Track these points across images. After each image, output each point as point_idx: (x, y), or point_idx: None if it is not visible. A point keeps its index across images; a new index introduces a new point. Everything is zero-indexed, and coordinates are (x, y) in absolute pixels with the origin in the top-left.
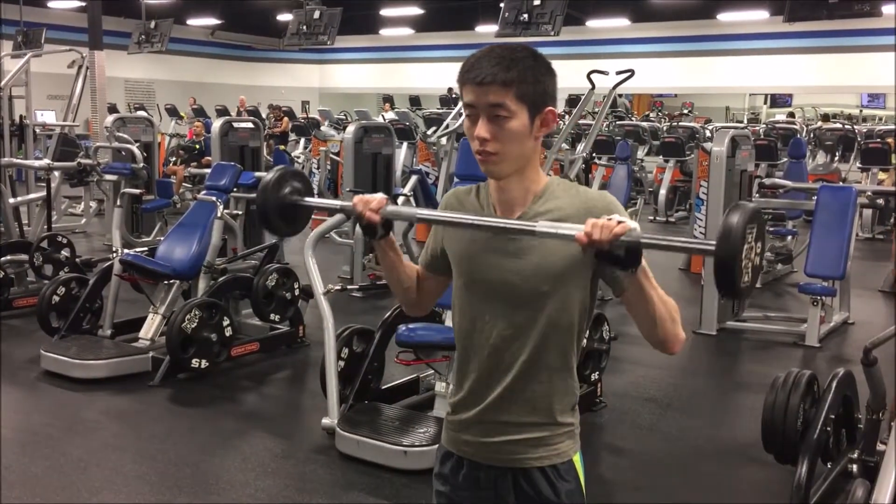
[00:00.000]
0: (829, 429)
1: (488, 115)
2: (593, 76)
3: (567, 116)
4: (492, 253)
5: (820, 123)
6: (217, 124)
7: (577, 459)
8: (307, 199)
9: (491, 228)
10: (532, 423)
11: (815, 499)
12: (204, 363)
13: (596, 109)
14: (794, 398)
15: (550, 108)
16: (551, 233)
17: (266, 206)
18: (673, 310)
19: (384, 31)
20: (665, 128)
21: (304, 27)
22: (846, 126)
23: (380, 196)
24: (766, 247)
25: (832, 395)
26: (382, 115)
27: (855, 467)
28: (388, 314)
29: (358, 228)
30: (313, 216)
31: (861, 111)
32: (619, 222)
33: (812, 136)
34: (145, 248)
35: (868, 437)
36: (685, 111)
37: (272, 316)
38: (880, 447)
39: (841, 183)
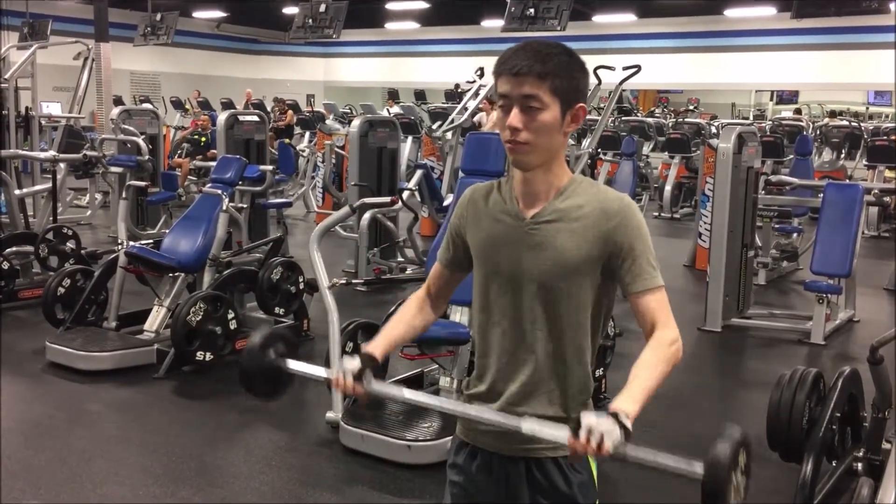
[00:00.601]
0: (834, 427)
1: (521, 105)
2: (599, 72)
3: None
4: (512, 245)
5: (827, 120)
6: (222, 117)
7: None
8: (290, 365)
9: (484, 419)
10: (547, 416)
11: (820, 497)
12: (208, 356)
13: (602, 105)
14: (800, 396)
15: (581, 104)
16: (537, 432)
17: (249, 370)
18: (668, 362)
19: (390, 25)
20: (671, 124)
21: (310, 20)
22: (852, 123)
23: (350, 379)
24: (751, 460)
25: (838, 393)
26: (387, 110)
27: (860, 466)
28: (392, 308)
29: (363, 224)
30: (318, 211)
31: (868, 108)
32: (599, 445)
33: (818, 133)
34: (150, 241)
35: (873, 436)
36: (691, 107)
37: (277, 309)
38: (886, 446)
39: (847, 180)
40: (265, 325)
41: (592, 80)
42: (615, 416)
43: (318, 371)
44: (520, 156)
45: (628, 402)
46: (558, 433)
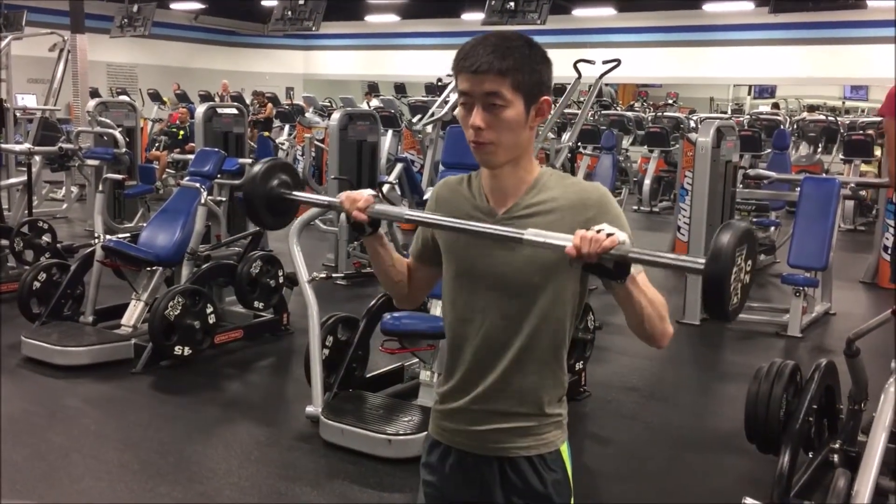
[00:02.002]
0: (811, 419)
1: (483, 103)
2: (579, 65)
3: (553, 106)
4: (483, 242)
5: (805, 115)
6: (201, 110)
7: (564, 450)
8: (295, 193)
9: (480, 234)
10: (520, 413)
11: (797, 488)
12: (187, 350)
13: (582, 99)
14: (777, 388)
15: (546, 97)
16: (539, 241)
17: (253, 198)
18: (661, 307)
19: (370, 18)
20: (650, 118)
21: (289, 13)
22: (829, 118)
23: (367, 193)
24: (756, 263)
25: (814, 385)
26: (367, 104)
27: (836, 457)
28: (372, 302)
29: (343, 217)
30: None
31: (844, 103)
32: (609, 234)
33: (796, 127)
34: (128, 235)
35: (850, 428)
36: (670, 101)
37: (256, 303)
38: (862, 438)
39: (824, 174)
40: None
41: (572, 75)
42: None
43: (320, 198)
44: (485, 155)
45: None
46: (563, 237)
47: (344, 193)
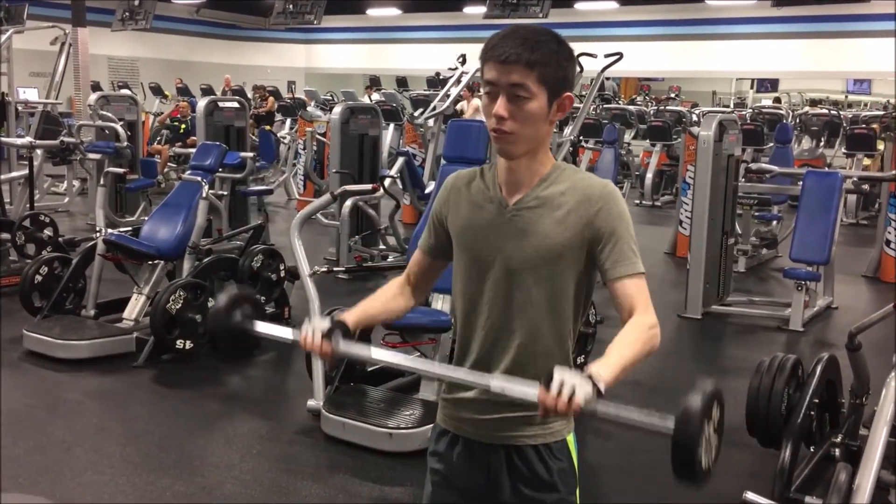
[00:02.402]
0: (812, 413)
1: (508, 94)
2: (581, 59)
3: None
4: (494, 231)
5: (807, 108)
6: (202, 104)
7: (570, 439)
8: (257, 326)
9: (451, 378)
10: (528, 403)
11: (798, 482)
12: (188, 344)
13: (583, 92)
14: (779, 382)
15: (568, 94)
16: (505, 390)
17: (215, 332)
18: (645, 346)
19: (371, 12)
20: (652, 112)
21: (291, 6)
22: (832, 111)
23: (318, 337)
24: (724, 416)
25: (816, 379)
26: (368, 97)
27: (838, 451)
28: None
29: (345, 211)
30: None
31: (846, 97)
32: (570, 397)
33: (798, 121)
34: (129, 228)
35: (851, 422)
36: (672, 95)
37: (258, 297)
38: (863, 431)
39: (826, 168)
40: (230, 286)
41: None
42: (588, 376)
43: (285, 332)
44: (505, 145)
45: (604, 368)
46: (528, 389)
47: (301, 335)
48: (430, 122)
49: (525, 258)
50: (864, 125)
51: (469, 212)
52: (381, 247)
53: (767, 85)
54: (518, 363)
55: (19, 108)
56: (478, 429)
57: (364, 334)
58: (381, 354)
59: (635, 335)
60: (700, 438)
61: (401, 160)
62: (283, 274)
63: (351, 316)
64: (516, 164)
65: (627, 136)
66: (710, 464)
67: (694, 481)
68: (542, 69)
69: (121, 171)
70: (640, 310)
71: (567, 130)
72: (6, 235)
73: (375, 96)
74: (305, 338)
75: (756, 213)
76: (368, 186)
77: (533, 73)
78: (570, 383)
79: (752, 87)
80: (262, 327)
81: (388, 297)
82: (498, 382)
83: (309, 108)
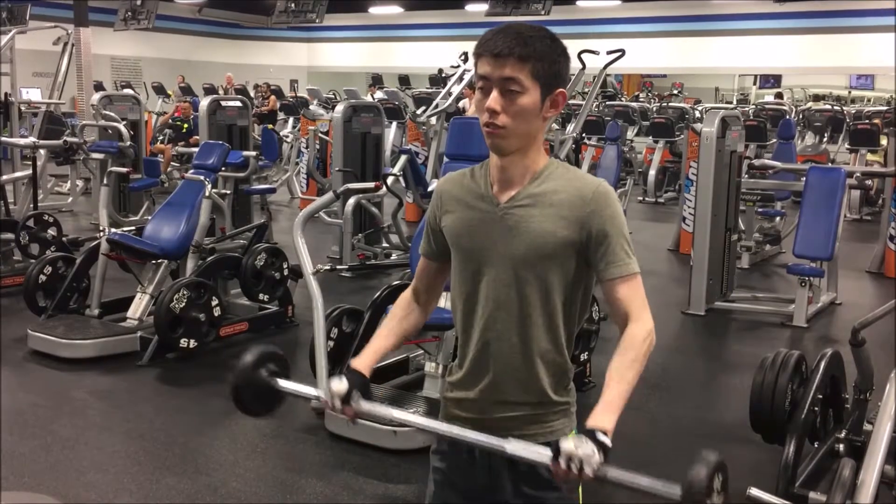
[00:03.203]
0: (816, 409)
1: (501, 88)
2: (584, 56)
3: None
4: (486, 229)
5: (810, 104)
6: (205, 103)
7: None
8: (281, 384)
9: (469, 439)
10: (526, 402)
11: (802, 478)
12: (192, 343)
13: (586, 89)
14: (782, 378)
15: (562, 90)
16: (520, 452)
17: (239, 387)
18: (640, 361)
19: (373, 10)
20: (655, 108)
21: (293, 5)
22: (835, 107)
23: (337, 399)
24: (727, 480)
25: (820, 375)
26: (371, 96)
27: (842, 447)
28: (377, 294)
29: (348, 209)
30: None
31: (850, 92)
32: (580, 471)
33: (801, 117)
34: (133, 228)
35: (855, 417)
36: (675, 92)
37: (261, 296)
38: (867, 427)
39: (829, 164)
40: (255, 345)
41: (577, 65)
42: (592, 435)
43: (309, 391)
44: (497, 140)
45: (605, 415)
46: (541, 456)
47: (322, 397)
48: (433, 120)
49: (518, 256)
50: (867, 120)
51: (461, 212)
52: (384, 245)
53: (772, 80)
54: (515, 359)
55: (22, 109)
56: (479, 428)
57: (368, 331)
58: (400, 415)
59: (629, 357)
60: None
61: (403, 158)
62: (286, 272)
63: (364, 363)
64: (508, 162)
65: (630, 133)
66: None
67: None
68: (535, 63)
69: (124, 170)
70: (633, 316)
71: (569, 128)
72: (10, 235)
73: (378, 94)
74: (326, 404)
75: (759, 210)
76: (371, 185)
77: (526, 67)
78: (578, 458)
79: (755, 84)
80: (286, 385)
81: (395, 324)
82: (512, 447)
83: (311, 107)
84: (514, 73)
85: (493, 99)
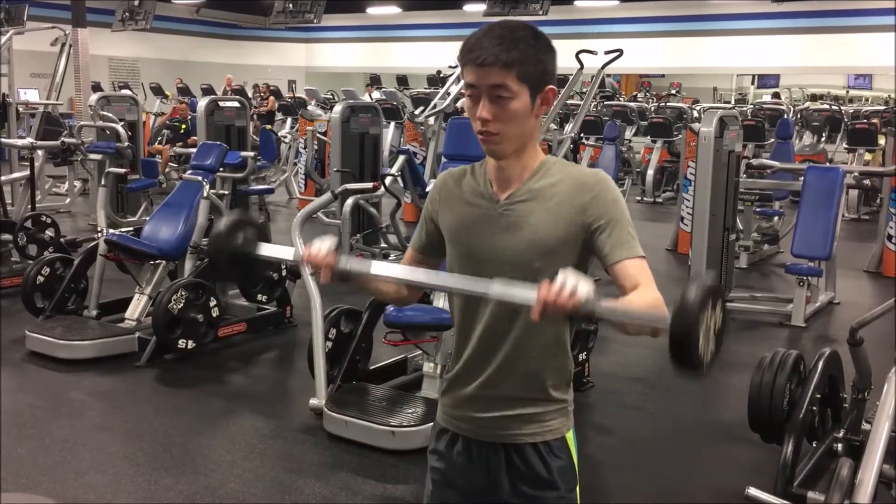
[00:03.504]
0: (814, 408)
1: (490, 95)
2: (582, 56)
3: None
4: (486, 226)
5: (808, 104)
6: (203, 103)
7: (570, 437)
8: (259, 248)
9: (451, 289)
10: (525, 398)
11: (801, 478)
12: (191, 344)
13: (584, 89)
14: (781, 378)
15: (551, 86)
16: (505, 295)
17: (217, 256)
18: (648, 307)
19: (371, 10)
20: (653, 108)
21: (290, 5)
22: (833, 107)
23: (325, 250)
24: (726, 311)
25: (818, 374)
26: (369, 96)
27: (840, 446)
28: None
29: (346, 210)
30: (300, 197)
31: (847, 92)
32: (573, 292)
33: (799, 116)
34: (131, 228)
35: (853, 417)
36: (673, 91)
37: (259, 296)
38: (865, 426)
39: (827, 164)
40: (232, 212)
41: (574, 65)
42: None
43: (286, 252)
44: (492, 146)
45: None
46: (528, 292)
47: (305, 252)
48: (431, 121)
49: (518, 252)
50: (865, 120)
51: (460, 209)
52: (383, 245)
53: (773, 81)
54: (513, 357)
55: (20, 109)
56: (477, 427)
57: (366, 332)
58: (379, 269)
59: (639, 298)
60: (697, 326)
61: (401, 158)
62: (284, 273)
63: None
64: (505, 162)
65: (628, 133)
66: (709, 354)
67: (690, 368)
68: (520, 67)
69: (122, 171)
70: (643, 286)
71: (568, 127)
72: (8, 236)
73: (376, 94)
74: (310, 253)
75: (757, 209)
76: (369, 185)
77: (512, 72)
78: (573, 281)
79: (752, 83)
80: (265, 249)
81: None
82: (497, 288)
83: (309, 107)
84: (501, 80)
85: (483, 108)
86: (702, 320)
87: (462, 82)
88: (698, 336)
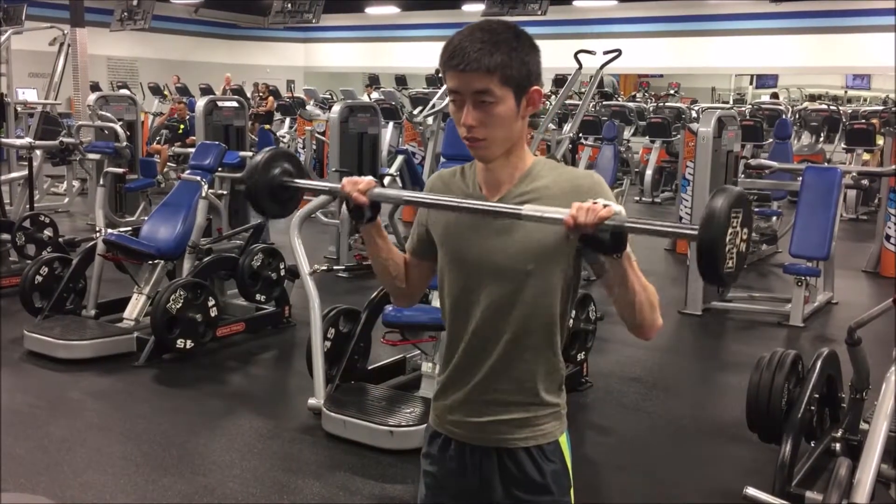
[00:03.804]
0: (812, 408)
1: (474, 101)
2: (580, 56)
3: (554, 97)
4: (476, 231)
5: (806, 104)
6: (201, 103)
7: (563, 440)
8: (296, 180)
9: (478, 212)
10: (517, 402)
11: (799, 477)
12: (189, 343)
13: (583, 90)
14: (779, 378)
15: (536, 87)
16: (537, 216)
17: (256, 187)
18: (653, 296)
19: (370, 10)
20: (651, 108)
21: (289, 5)
22: (831, 107)
23: (368, 178)
24: (752, 232)
25: (816, 374)
26: (368, 96)
27: (838, 446)
28: (374, 294)
29: (344, 209)
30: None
31: (846, 92)
32: (605, 205)
33: (797, 116)
34: (129, 228)
35: (851, 416)
36: (671, 92)
37: (258, 296)
38: (863, 426)
39: (826, 164)
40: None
41: (573, 65)
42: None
43: (322, 185)
44: (480, 151)
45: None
46: (561, 211)
47: (346, 178)
48: (430, 121)
49: (509, 255)
50: (863, 120)
51: (451, 212)
52: None
53: (772, 81)
54: (506, 359)
55: (18, 109)
56: (469, 431)
57: (365, 332)
58: (410, 196)
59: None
60: (723, 238)
61: (400, 158)
62: (283, 273)
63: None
64: (493, 165)
65: (627, 133)
66: (735, 265)
67: (718, 281)
68: (503, 71)
69: (120, 171)
70: None
71: (566, 127)
72: (6, 236)
73: (374, 95)
74: (351, 180)
75: (756, 209)
76: None
77: (495, 76)
78: (602, 202)
79: (751, 84)
80: (300, 181)
81: (399, 255)
82: (528, 209)
83: (308, 107)
84: (484, 85)
85: (468, 114)
86: (727, 233)
87: None
88: (725, 245)
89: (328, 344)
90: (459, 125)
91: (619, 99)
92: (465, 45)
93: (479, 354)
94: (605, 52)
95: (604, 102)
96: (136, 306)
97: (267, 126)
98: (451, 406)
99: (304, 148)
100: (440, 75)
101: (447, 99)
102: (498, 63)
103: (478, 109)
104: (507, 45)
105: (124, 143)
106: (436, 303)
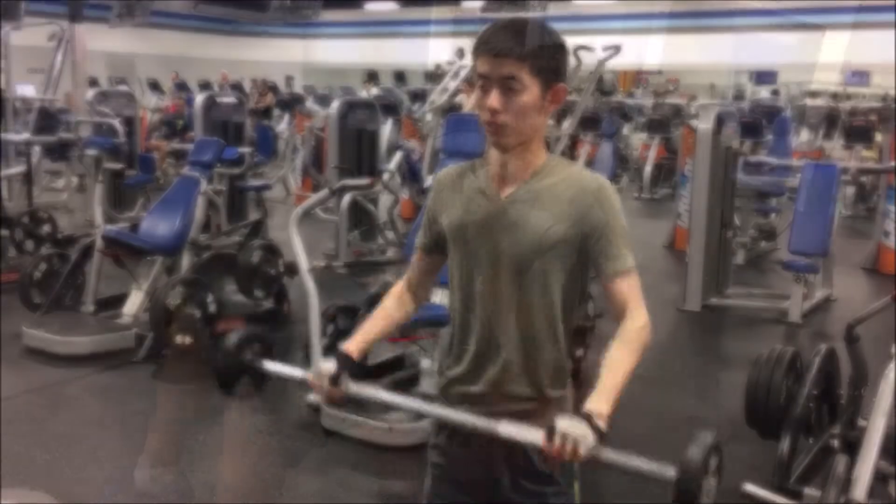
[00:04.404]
0: (811, 405)
1: (501, 86)
2: (579, 52)
3: None
4: (486, 225)
5: (805, 101)
6: (200, 99)
7: None
8: (266, 363)
9: (459, 421)
10: (525, 396)
11: (797, 473)
12: (188, 339)
13: (582, 86)
14: (778, 375)
15: (562, 84)
16: (513, 434)
17: (227, 369)
18: (639, 351)
19: (369, 6)
20: (650, 104)
21: (288, 1)
22: (830, 104)
23: (326, 379)
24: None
25: (815, 371)
26: (367, 92)
27: (836, 442)
28: (372, 290)
29: (343, 206)
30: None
31: (845, 89)
32: (574, 449)
33: (797, 113)
34: (128, 224)
35: (850, 413)
36: (670, 88)
37: (256, 292)
38: (862, 423)
39: (825, 160)
40: (241, 327)
41: (572, 62)
42: (588, 418)
43: (294, 372)
44: (499, 137)
45: (601, 402)
46: (534, 436)
47: (310, 375)
48: (429, 117)
49: (518, 251)
50: (862, 117)
51: (461, 206)
52: (380, 241)
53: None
54: (514, 354)
55: (17, 105)
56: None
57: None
58: (388, 397)
59: (626, 349)
60: (700, 492)
61: (399, 155)
62: (281, 269)
63: (354, 346)
64: (509, 157)
65: (626, 129)
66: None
67: None
68: (533, 60)
69: (119, 167)
70: (630, 309)
71: (565, 124)
72: (5, 232)
73: (373, 91)
74: (313, 384)
75: (755, 206)
76: (365, 180)
77: (525, 65)
78: (573, 437)
79: (750, 80)
80: (272, 366)
81: (388, 313)
82: (505, 428)
83: (307, 103)
84: (514, 72)
85: (494, 97)
86: (704, 486)
87: (460, 78)
88: (702, 492)
89: (326, 340)
90: (483, 110)
91: (619, 95)
92: (500, 33)
93: (489, 349)
94: (604, 49)
95: (603, 98)
96: (134, 302)
97: (266, 122)
98: (460, 399)
99: (302, 144)
100: (440, 72)
101: (446, 95)
102: (529, 52)
103: (504, 95)
104: (539, 39)
105: (123, 139)
106: (435, 299)
